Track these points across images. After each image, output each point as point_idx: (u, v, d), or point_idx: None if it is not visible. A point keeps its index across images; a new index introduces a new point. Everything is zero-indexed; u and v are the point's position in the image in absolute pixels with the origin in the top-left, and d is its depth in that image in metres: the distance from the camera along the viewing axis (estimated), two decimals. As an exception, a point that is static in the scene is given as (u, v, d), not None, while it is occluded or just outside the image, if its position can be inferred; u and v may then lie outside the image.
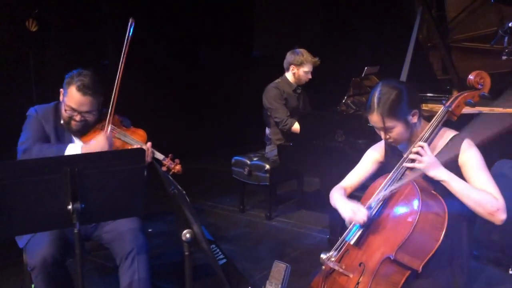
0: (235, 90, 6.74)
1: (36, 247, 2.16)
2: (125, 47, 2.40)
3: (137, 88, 6.01)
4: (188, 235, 1.65)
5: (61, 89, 2.41)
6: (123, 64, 2.40)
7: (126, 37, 2.40)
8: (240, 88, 6.58)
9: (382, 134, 1.91)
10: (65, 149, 2.32)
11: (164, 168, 2.48)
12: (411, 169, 1.82)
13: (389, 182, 1.85)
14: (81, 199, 1.77)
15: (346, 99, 3.52)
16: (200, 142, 6.54)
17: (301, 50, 3.98)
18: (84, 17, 5.47)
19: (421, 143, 1.82)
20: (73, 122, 2.38)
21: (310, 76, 3.99)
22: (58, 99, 2.48)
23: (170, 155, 2.50)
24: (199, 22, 6.76)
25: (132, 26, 2.40)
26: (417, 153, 1.80)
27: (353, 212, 1.83)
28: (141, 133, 2.54)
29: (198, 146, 6.47)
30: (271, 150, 4.03)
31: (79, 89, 2.31)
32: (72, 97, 2.33)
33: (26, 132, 2.38)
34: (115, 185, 1.89)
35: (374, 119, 1.87)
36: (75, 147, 2.34)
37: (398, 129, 1.85)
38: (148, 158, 2.39)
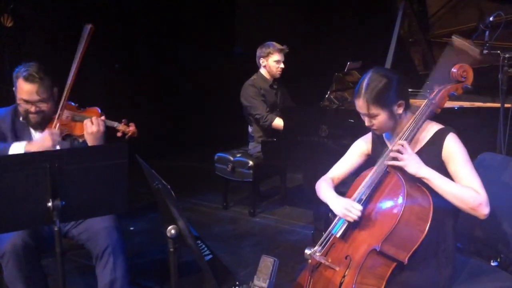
0: (216, 87, 6.70)
1: (7, 234, 2.12)
2: (81, 51, 2.41)
3: (117, 85, 5.93)
4: (173, 231, 1.62)
5: (14, 88, 2.41)
6: (78, 64, 2.41)
7: (83, 41, 2.41)
8: (222, 84, 6.54)
9: (366, 120, 1.91)
10: (9, 146, 2.31)
11: (119, 134, 2.48)
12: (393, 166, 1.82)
13: (371, 179, 1.84)
14: (61, 196, 1.74)
15: (329, 94, 3.52)
16: (182, 139, 6.49)
17: (269, 42, 3.95)
18: (60, 12, 5.36)
19: (401, 141, 1.82)
20: (30, 116, 2.39)
21: (281, 66, 3.94)
22: None
23: (123, 120, 2.50)
24: (179, 17, 6.69)
25: (87, 31, 2.41)
26: (398, 151, 1.80)
27: (346, 210, 1.80)
28: (94, 110, 2.54)
29: (180, 143, 6.41)
30: (253, 147, 4.02)
31: (26, 78, 2.32)
32: (22, 89, 2.33)
33: None
34: (96, 181, 1.85)
35: (360, 104, 1.87)
36: (18, 146, 2.32)
37: (381, 117, 1.86)
38: (101, 127, 2.38)
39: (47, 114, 2.40)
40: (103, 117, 2.45)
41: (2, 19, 4.80)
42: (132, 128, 2.49)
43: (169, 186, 1.65)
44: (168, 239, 1.65)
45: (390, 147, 1.90)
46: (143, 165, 1.78)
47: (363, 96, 1.84)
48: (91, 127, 2.36)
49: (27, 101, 2.35)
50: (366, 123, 1.92)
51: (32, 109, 2.36)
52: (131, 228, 3.83)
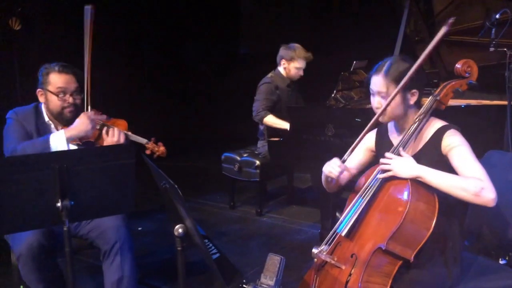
0: (222, 86, 6.73)
1: (22, 235, 2.14)
2: (89, 35, 2.41)
3: (123, 86, 5.96)
4: (180, 230, 1.64)
5: (39, 90, 2.42)
6: (90, 49, 2.41)
7: (88, 25, 2.41)
8: (228, 84, 6.56)
9: (375, 100, 1.90)
10: (48, 138, 2.31)
11: (148, 152, 2.50)
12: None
13: (365, 191, 1.85)
14: (70, 196, 1.75)
15: (335, 93, 3.52)
16: (189, 139, 6.52)
17: (295, 45, 3.90)
18: (68, 15, 5.40)
19: (387, 154, 1.84)
20: (66, 110, 2.38)
21: (301, 73, 3.92)
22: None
23: (152, 138, 2.52)
24: (185, 17, 6.72)
25: (89, 13, 2.41)
26: (384, 163, 1.82)
27: (328, 165, 1.91)
28: (121, 122, 2.54)
29: (187, 143, 6.44)
30: (262, 146, 4.01)
31: (61, 70, 2.35)
32: (58, 79, 2.35)
33: (9, 136, 2.37)
34: (104, 181, 1.87)
35: (377, 80, 1.87)
36: (58, 134, 2.33)
37: (394, 100, 1.84)
38: (121, 140, 2.40)
39: (78, 110, 2.41)
40: (129, 132, 2.46)
41: (10, 23, 4.84)
42: (162, 148, 2.52)
43: (176, 186, 1.66)
44: (176, 238, 1.66)
45: (394, 143, 1.92)
46: (150, 165, 1.79)
47: (383, 72, 1.85)
48: (111, 138, 2.38)
49: (64, 91, 2.35)
50: (375, 104, 1.90)
51: (70, 100, 2.36)
52: (139, 229, 3.86)
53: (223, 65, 6.83)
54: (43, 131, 2.43)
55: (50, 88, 2.36)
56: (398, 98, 1.85)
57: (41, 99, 2.43)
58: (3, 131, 2.42)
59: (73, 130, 2.33)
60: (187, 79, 6.79)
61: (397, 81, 1.83)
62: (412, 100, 1.87)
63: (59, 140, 2.30)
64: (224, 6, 7.05)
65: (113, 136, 2.39)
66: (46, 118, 2.44)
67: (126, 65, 6.05)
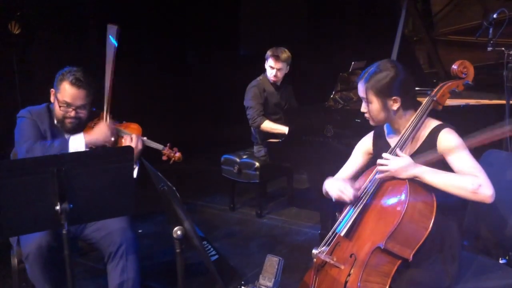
0: (222, 89, 6.73)
1: (31, 235, 2.14)
2: (113, 56, 2.41)
3: (123, 88, 5.96)
4: (179, 232, 1.64)
5: (52, 89, 2.42)
6: (113, 70, 2.42)
7: (114, 47, 2.40)
8: (228, 86, 6.56)
9: (363, 105, 1.96)
10: (67, 141, 2.32)
11: (164, 158, 2.51)
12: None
13: (364, 192, 1.87)
14: (69, 199, 1.75)
15: (334, 94, 3.52)
16: (188, 141, 6.51)
17: (277, 47, 3.89)
18: (68, 18, 5.42)
19: (384, 154, 1.85)
20: (67, 120, 2.39)
21: (275, 73, 3.85)
22: (44, 101, 2.48)
23: (168, 144, 2.52)
24: (185, 19, 6.73)
25: (115, 34, 2.39)
26: (382, 164, 1.83)
27: (340, 191, 1.87)
28: (135, 126, 2.54)
29: (186, 145, 6.43)
30: (258, 151, 4.02)
31: (73, 83, 2.34)
32: (66, 92, 2.34)
33: (23, 134, 2.37)
34: (103, 184, 1.87)
35: (359, 86, 1.93)
36: (77, 138, 2.34)
37: (374, 106, 1.90)
38: (139, 146, 2.40)
39: (82, 121, 2.42)
40: (145, 137, 2.47)
41: (10, 27, 4.85)
42: (178, 154, 2.53)
43: (174, 188, 1.66)
44: (175, 240, 1.66)
45: (391, 144, 1.92)
46: (148, 168, 1.79)
47: (364, 79, 1.89)
48: (129, 144, 2.38)
49: (68, 105, 2.35)
50: (362, 109, 1.96)
51: (72, 113, 2.37)
52: (139, 231, 3.86)
53: (223, 66, 6.83)
54: (56, 131, 2.44)
55: (58, 96, 2.38)
56: (378, 105, 1.88)
57: (51, 98, 2.44)
58: (6, 131, 2.43)
59: (93, 136, 2.36)
60: (186, 80, 6.79)
61: (374, 87, 1.86)
62: (394, 106, 1.88)
63: (78, 143, 2.32)
64: (223, 8, 7.05)
65: (131, 142, 2.38)
66: (55, 121, 2.45)
67: (124, 68, 6.05)
